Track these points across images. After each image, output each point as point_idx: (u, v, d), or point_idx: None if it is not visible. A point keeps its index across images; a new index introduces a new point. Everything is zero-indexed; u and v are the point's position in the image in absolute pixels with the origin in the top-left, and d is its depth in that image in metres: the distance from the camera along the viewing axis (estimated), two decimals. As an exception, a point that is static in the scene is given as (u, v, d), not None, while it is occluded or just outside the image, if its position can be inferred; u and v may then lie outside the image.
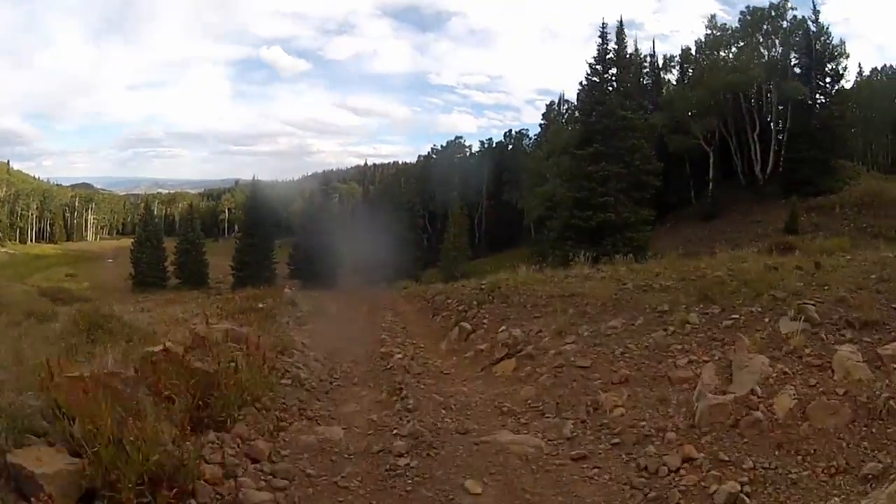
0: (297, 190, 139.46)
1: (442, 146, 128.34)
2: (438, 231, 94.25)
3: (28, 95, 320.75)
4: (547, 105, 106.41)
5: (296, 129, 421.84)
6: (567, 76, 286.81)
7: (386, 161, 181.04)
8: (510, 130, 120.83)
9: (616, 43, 56.91)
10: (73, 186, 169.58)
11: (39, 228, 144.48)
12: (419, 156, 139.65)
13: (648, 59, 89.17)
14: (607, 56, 56.74)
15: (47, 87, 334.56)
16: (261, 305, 24.07)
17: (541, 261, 68.26)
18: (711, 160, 75.17)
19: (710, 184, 74.93)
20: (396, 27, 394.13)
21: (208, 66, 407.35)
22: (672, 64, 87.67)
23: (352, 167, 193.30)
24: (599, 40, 56.82)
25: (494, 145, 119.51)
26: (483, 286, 23.34)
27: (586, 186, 51.46)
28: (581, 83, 58.48)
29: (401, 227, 72.70)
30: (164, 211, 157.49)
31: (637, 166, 53.38)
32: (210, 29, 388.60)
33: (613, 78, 56.87)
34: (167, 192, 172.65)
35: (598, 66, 57.30)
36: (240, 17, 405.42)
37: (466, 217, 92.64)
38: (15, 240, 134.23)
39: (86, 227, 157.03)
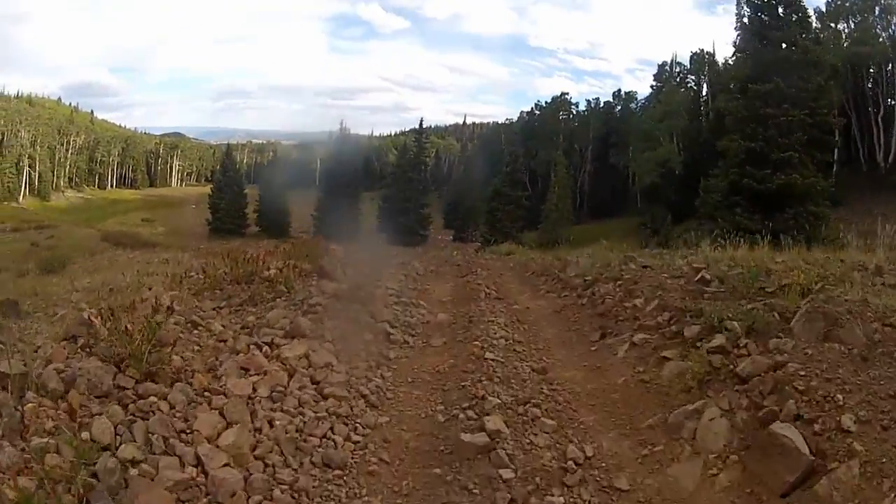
0: (392, 143, 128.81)
1: (547, 102, 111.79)
2: (539, 192, 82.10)
3: (115, 49, 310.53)
4: (658, 66, 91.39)
5: (393, 84, 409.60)
6: (667, 48, 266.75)
7: (484, 120, 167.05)
8: (619, 90, 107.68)
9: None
10: (164, 135, 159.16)
11: (121, 174, 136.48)
12: (521, 111, 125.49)
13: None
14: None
15: (135, 41, 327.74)
16: (271, 271, 13.66)
17: (654, 233, 57.41)
18: (837, 139, 59.22)
19: (835, 166, 60.32)
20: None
21: (304, 20, 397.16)
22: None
23: (450, 125, 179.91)
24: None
25: (602, 105, 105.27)
26: (725, 280, 10.61)
27: (762, 135, 35.87)
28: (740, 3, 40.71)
29: (500, 184, 59.97)
30: (254, 159, 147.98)
31: (823, 115, 37.51)
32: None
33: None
34: (260, 142, 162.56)
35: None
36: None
37: (571, 178, 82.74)
38: (94, 185, 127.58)
39: (170, 173, 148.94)
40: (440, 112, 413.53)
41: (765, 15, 39.22)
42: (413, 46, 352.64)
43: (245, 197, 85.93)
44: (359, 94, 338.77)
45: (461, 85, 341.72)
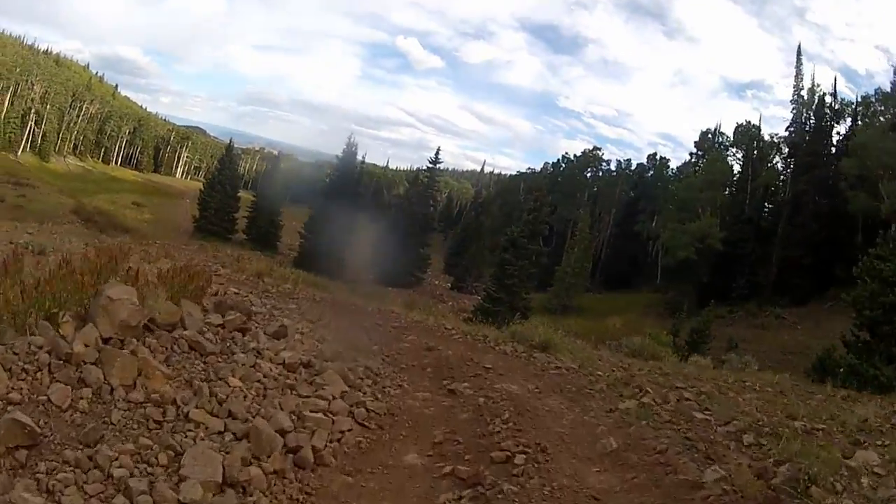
0: (405, 177, 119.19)
1: (576, 156, 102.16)
2: (552, 251, 69.71)
3: (155, 32, 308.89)
4: (701, 133, 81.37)
5: (418, 121, 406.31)
6: (691, 126, 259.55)
7: (503, 172, 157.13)
8: (654, 153, 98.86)
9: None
10: (187, 128, 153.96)
11: (127, 154, 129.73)
12: (545, 162, 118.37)
13: (829, 97, 64.00)
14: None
15: (176, 28, 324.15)
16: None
17: (688, 316, 47.74)
18: (893, 231, 48.16)
19: None
20: (532, 42, 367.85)
21: (341, 43, 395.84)
22: (873, 103, 60.99)
23: (467, 170, 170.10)
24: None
25: (634, 167, 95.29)
26: None
27: None
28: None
29: (517, 233, 47.00)
30: (264, 167, 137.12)
31: None
32: (349, 6, 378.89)
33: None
34: (273, 152, 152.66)
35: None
36: (380, 1, 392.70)
37: (594, 240, 74.45)
38: (98, 158, 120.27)
39: (177, 163, 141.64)
40: (460, 157, 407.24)
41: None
42: (443, 87, 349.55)
43: (238, 200, 74.53)
44: (383, 125, 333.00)
45: (484, 133, 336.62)
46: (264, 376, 7.42)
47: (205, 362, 7.46)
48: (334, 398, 7.36)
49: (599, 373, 12.08)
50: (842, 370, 20.14)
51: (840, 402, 12.25)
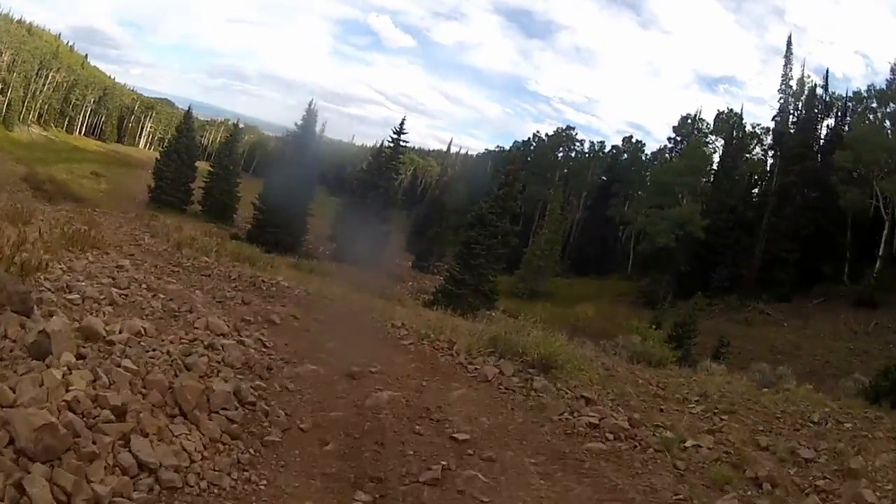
0: (369, 153, 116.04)
1: (548, 135, 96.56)
2: (521, 231, 64.99)
3: (127, 2, 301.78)
4: (681, 118, 76.80)
5: (386, 99, 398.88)
6: (661, 117, 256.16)
7: (470, 152, 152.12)
8: (630, 136, 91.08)
9: None
10: (153, 99, 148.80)
11: (91, 123, 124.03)
12: (515, 140, 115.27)
13: (820, 89, 60.80)
14: None
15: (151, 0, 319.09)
16: None
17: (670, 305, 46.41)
18: (885, 231, 49.31)
19: (879, 261, 48.67)
20: (505, 26, 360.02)
21: (314, 18, 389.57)
22: (866, 98, 57.76)
23: (433, 149, 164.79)
24: None
25: (608, 149, 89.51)
26: None
27: None
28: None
29: (486, 209, 41.56)
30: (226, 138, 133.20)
31: None
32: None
33: None
34: (234, 122, 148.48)
35: None
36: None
37: (564, 222, 69.51)
38: (62, 127, 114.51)
39: (140, 133, 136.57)
40: (427, 136, 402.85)
41: None
42: (414, 66, 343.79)
43: (194, 170, 69.79)
44: (351, 101, 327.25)
45: (452, 113, 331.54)
46: None
47: None
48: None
49: (668, 433, 7.10)
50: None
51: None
